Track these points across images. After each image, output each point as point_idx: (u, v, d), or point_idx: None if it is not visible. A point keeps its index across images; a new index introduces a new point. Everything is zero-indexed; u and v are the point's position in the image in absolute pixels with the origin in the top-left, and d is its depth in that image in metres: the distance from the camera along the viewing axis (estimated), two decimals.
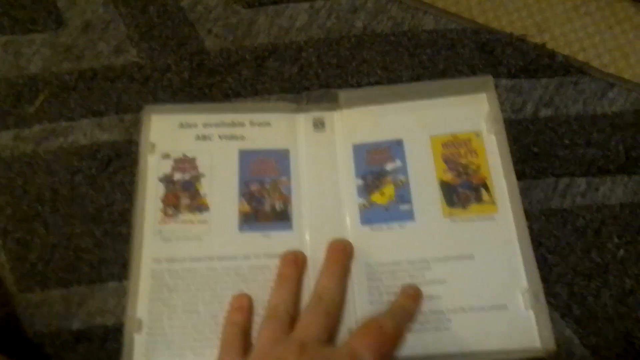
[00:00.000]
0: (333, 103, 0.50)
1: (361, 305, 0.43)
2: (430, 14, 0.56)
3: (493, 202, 0.45)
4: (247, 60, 0.54)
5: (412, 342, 0.40)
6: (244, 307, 0.42)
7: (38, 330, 0.44)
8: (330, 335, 0.38)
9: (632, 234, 0.46)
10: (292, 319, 0.39)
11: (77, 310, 0.44)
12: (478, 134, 0.47)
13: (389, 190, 0.46)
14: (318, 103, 0.51)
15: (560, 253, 0.46)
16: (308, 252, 0.45)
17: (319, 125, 0.49)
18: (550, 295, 0.44)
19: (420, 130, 0.48)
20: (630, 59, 0.54)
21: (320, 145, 0.48)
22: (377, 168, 0.47)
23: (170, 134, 0.48)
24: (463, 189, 0.45)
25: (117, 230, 0.47)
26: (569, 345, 0.42)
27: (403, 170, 0.47)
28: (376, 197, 0.46)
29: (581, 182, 0.48)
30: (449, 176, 0.46)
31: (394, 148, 0.48)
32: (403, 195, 0.46)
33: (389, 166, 0.47)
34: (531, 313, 0.41)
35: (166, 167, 0.47)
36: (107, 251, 0.46)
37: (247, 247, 0.45)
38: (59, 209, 0.48)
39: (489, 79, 0.49)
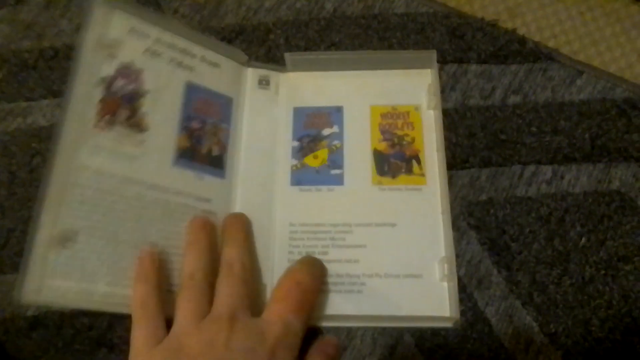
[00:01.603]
0: (281, 65, 0.50)
1: (280, 263, 0.43)
2: None
3: (422, 175, 0.46)
4: (214, 39, 0.53)
5: (325, 302, 0.41)
6: (155, 261, 0.39)
7: None
8: (250, 301, 0.38)
9: (594, 222, 0.46)
10: (210, 285, 0.38)
11: None
12: (417, 108, 0.48)
13: (322, 154, 0.47)
14: (266, 62, 0.51)
15: (524, 241, 0.46)
16: (237, 204, 0.45)
17: (263, 82, 0.49)
18: (512, 283, 0.44)
19: (361, 98, 0.49)
20: (600, 46, 0.53)
21: (263, 102, 0.49)
22: (314, 132, 0.48)
23: (119, 35, 0.44)
24: (395, 159, 0.46)
25: None
26: (529, 333, 0.43)
27: (339, 136, 0.47)
28: (309, 160, 0.47)
29: (547, 170, 0.48)
30: (383, 145, 0.47)
31: (334, 114, 0.48)
32: (336, 160, 0.47)
33: (326, 131, 0.48)
34: (444, 284, 0.41)
35: (110, 68, 0.42)
36: None
37: (179, 183, 0.43)
38: (16, 192, 0.46)
39: (433, 55, 0.48)
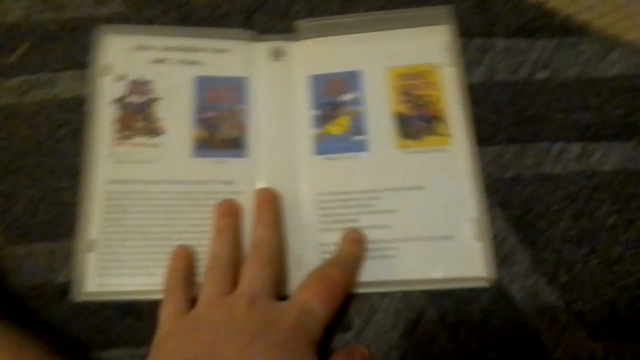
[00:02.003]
0: (292, 33, 0.50)
1: (312, 233, 0.44)
2: None
3: (447, 135, 0.45)
4: (236, 13, 0.52)
5: (361, 269, 0.42)
6: (184, 255, 0.42)
7: (23, 284, 0.43)
8: (275, 283, 0.39)
9: (624, 201, 0.45)
10: (235, 267, 0.40)
11: (62, 263, 0.44)
12: (436, 66, 0.47)
13: (343, 121, 0.46)
14: (277, 33, 0.50)
15: (550, 219, 0.45)
16: (262, 181, 0.45)
17: (277, 54, 0.49)
18: (538, 261, 0.44)
19: (378, 61, 0.48)
20: (635, 19, 0.52)
21: (278, 75, 0.49)
22: (333, 99, 0.47)
23: (125, 56, 0.48)
24: (418, 121, 0.46)
25: None
26: (554, 311, 0.42)
27: (359, 101, 0.47)
28: (331, 128, 0.46)
29: (575, 148, 0.47)
30: (404, 108, 0.46)
31: (351, 79, 0.48)
32: (358, 126, 0.46)
33: (346, 97, 0.47)
34: (477, 244, 0.42)
35: (121, 89, 0.47)
36: None
37: (200, 173, 0.45)
38: (43, 163, 0.47)
39: (450, 10, 0.48)
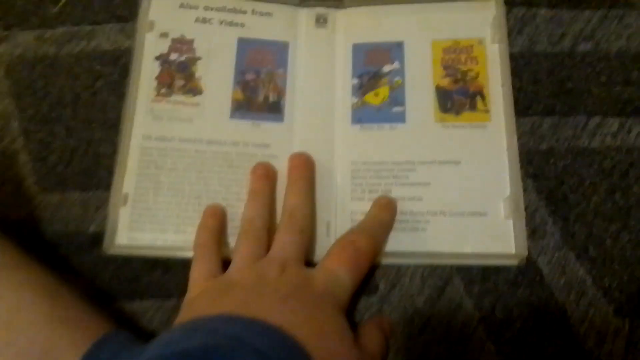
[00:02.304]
0: (336, 1, 0.49)
1: (343, 202, 0.44)
2: None
3: (487, 111, 0.45)
4: None
5: (389, 239, 0.42)
6: (217, 213, 0.43)
7: (56, 230, 0.44)
8: (306, 251, 0.39)
9: None
10: (268, 231, 0.40)
11: (94, 214, 0.45)
12: (481, 42, 0.47)
13: (383, 91, 0.46)
14: (320, 0, 0.50)
15: (583, 193, 0.44)
16: (297, 146, 0.45)
17: (321, 21, 0.49)
18: (568, 234, 0.43)
19: (422, 33, 0.47)
20: None
21: (320, 41, 0.48)
22: (374, 69, 0.47)
23: (169, 13, 0.48)
24: (458, 96, 0.45)
25: None
26: (581, 285, 0.42)
27: (400, 72, 0.46)
28: (370, 98, 0.46)
29: (613, 122, 0.46)
30: (445, 82, 0.46)
31: (394, 50, 0.47)
32: (397, 97, 0.46)
33: (387, 68, 0.47)
34: (510, 222, 0.42)
35: (163, 46, 0.47)
36: None
37: (236, 134, 0.45)
38: (80, 113, 0.48)
39: None
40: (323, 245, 0.42)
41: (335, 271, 0.37)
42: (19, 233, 0.40)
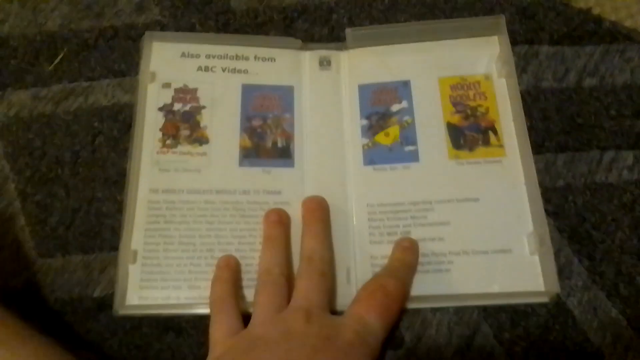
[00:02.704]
0: (340, 42, 0.49)
1: (361, 245, 0.42)
2: None
3: (501, 146, 0.44)
4: (275, 20, 0.51)
5: (413, 283, 0.40)
6: (231, 264, 0.41)
7: (59, 297, 0.42)
8: (330, 296, 0.38)
9: None
10: (287, 279, 0.39)
11: (99, 277, 0.43)
12: (488, 77, 0.46)
13: (394, 131, 0.45)
14: (325, 42, 0.50)
15: (606, 230, 0.43)
16: (309, 191, 0.44)
17: (324, 63, 0.48)
18: (596, 273, 0.42)
19: (428, 71, 0.47)
20: None
21: (326, 84, 0.48)
22: (382, 109, 0.46)
23: (171, 63, 0.47)
24: (470, 132, 0.44)
25: None
26: (616, 327, 0.40)
27: (409, 111, 0.46)
28: (380, 138, 0.45)
29: (628, 156, 0.46)
30: (456, 118, 0.45)
31: (401, 89, 0.47)
32: (408, 136, 0.45)
33: (395, 107, 0.46)
34: (536, 258, 0.40)
35: (166, 96, 0.46)
36: None
37: (246, 182, 0.44)
38: (79, 172, 0.46)
39: (501, 20, 0.47)
40: (344, 293, 0.40)
41: (365, 318, 0.35)
42: (19, 301, 0.38)
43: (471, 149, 0.44)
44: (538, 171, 0.45)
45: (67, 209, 0.44)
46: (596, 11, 0.51)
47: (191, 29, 0.51)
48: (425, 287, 0.40)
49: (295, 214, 0.43)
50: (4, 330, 0.34)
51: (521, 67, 0.49)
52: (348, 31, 0.48)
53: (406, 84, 0.47)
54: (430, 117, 0.45)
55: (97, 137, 0.47)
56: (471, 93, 0.46)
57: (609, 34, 0.50)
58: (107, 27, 0.51)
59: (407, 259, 0.41)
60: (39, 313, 0.41)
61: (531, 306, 0.41)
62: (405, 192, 0.43)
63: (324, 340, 0.33)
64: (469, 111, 0.45)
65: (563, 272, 0.42)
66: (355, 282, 0.41)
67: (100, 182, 0.45)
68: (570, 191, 0.44)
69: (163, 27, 0.51)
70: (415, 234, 0.42)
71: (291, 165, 0.45)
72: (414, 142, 0.45)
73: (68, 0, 0.52)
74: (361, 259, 0.42)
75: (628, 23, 0.51)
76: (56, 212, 0.44)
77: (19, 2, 0.52)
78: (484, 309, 0.41)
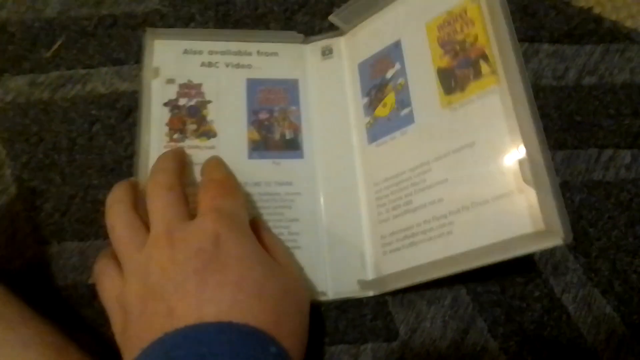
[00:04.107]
0: (338, 30, 0.49)
1: (372, 227, 0.42)
2: None
3: (493, 72, 0.39)
4: (276, 12, 0.51)
5: (418, 254, 0.39)
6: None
7: (54, 284, 0.42)
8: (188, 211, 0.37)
9: None
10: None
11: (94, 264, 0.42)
12: (472, 1, 0.42)
13: (390, 99, 0.44)
14: (324, 33, 0.50)
15: (603, 227, 0.43)
16: (320, 180, 0.45)
17: (327, 52, 0.49)
18: (591, 270, 0.42)
19: (415, 21, 0.44)
20: None
21: (329, 72, 0.48)
22: (379, 80, 0.45)
23: (174, 59, 0.47)
24: (460, 69, 0.41)
25: None
26: (610, 323, 0.40)
27: (402, 72, 0.44)
28: (379, 111, 0.45)
29: (626, 154, 0.46)
30: (445, 60, 0.42)
31: (393, 51, 0.45)
32: (403, 99, 0.43)
33: (390, 73, 0.45)
34: (531, 190, 0.34)
35: (171, 92, 0.46)
36: None
37: (257, 174, 0.44)
38: (76, 159, 0.45)
39: None
40: (361, 280, 0.41)
41: (215, 205, 0.35)
42: (15, 287, 0.37)
43: (463, 88, 0.40)
44: None
45: (63, 195, 0.44)
46: (597, 11, 0.52)
47: (191, 19, 0.50)
48: (430, 254, 0.38)
49: (307, 204, 0.44)
50: (8, 310, 0.35)
51: None
52: (331, 18, 0.48)
53: (397, 45, 0.45)
54: (421, 69, 0.43)
55: (95, 124, 0.46)
56: (458, 25, 0.42)
57: (609, 34, 0.50)
58: (106, 15, 0.51)
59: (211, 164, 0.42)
60: (33, 298, 0.40)
61: (526, 301, 0.41)
62: (403, 159, 0.42)
63: (196, 254, 0.33)
64: (457, 47, 0.41)
65: (558, 269, 0.42)
66: (370, 267, 0.41)
67: (96, 169, 0.45)
68: (568, 188, 0.45)
69: (162, 17, 0.50)
70: (416, 201, 0.40)
71: (300, 156, 0.45)
72: (408, 104, 0.43)
73: None
74: (372, 241, 0.42)
75: (628, 23, 0.51)
76: (52, 198, 0.44)
77: None
78: (479, 303, 0.41)
